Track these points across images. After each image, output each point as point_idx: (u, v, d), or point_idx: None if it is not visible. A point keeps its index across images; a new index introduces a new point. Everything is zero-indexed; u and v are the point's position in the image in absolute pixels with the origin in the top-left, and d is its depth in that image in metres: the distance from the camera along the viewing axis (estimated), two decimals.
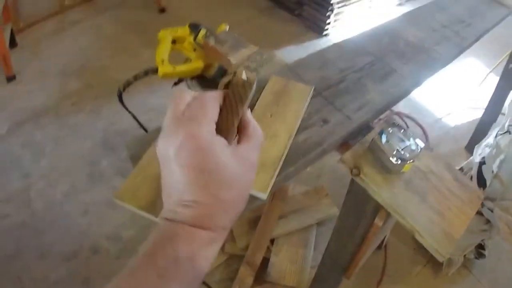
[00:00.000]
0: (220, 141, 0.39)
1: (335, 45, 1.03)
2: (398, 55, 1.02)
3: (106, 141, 2.21)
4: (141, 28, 3.08)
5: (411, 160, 0.75)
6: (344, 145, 0.82)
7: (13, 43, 2.79)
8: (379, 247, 1.72)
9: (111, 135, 2.24)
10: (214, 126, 0.40)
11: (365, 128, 0.85)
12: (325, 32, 3.07)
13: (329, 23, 3.02)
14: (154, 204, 0.64)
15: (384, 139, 0.75)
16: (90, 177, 2.03)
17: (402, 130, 0.78)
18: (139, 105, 2.28)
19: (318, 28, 3.09)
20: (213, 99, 0.42)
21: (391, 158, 0.74)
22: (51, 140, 2.20)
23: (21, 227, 1.81)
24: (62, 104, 2.42)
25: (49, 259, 1.71)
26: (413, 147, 0.76)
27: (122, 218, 1.84)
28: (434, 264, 1.71)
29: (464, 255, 1.64)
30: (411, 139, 0.77)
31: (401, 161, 0.74)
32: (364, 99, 0.85)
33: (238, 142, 0.42)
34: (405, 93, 0.93)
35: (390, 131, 0.77)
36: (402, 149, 0.75)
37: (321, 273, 1.33)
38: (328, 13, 2.94)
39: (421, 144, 0.78)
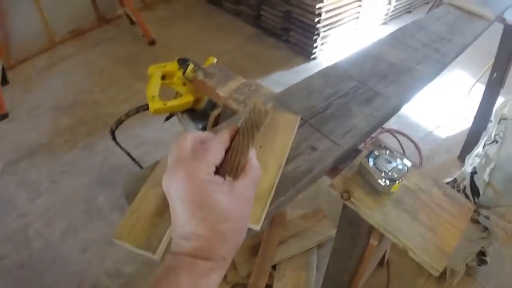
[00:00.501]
0: (217, 179, 0.43)
1: (320, 72, 1.05)
2: (381, 77, 1.05)
3: (101, 176, 2.21)
4: (131, 61, 3.13)
5: (399, 180, 0.77)
6: (334, 170, 0.84)
7: (4, 80, 2.82)
8: (381, 264, 1.72)
9: (106, 171, 2.25)
10: (213, 169, 0.44)
11: (354, 151, 0.87)
12: (313, 56, 3.14)
13: (316, 47, 3.09)
14: (150, 241, 0.65)
15: (371, 162, 0.78)
16: (87, 214, 2.03)
17: (388, 151, 0.80)
18: (133, 139, 2.33)
19: (306, 52, 3.16)
20: (219, 144, 0.47)
21: (379, 180, 0.76)
22: (46, 178, 2.21)
23: (20, 268, 1.80)
24: (56, 141, 2.44)
25: None
26: (400, 167, 0.78)
27: (121, 254, 1.84)
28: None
29: (466, 264, 1.65)
30: (398, 159, 0.80)
31: (390, 181, 0.76)
32: (350, 124, 0.87)
33: (237, 177, 0.46)
34: (389, 114, 0.96)
35: (377, 154, 0.79)
36: (389, 170, 0.77)
37: None
38: (314, 37, 3.01)
39: (408, 164, 0.80)
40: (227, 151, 0.48)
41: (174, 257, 0.41)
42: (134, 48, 3.28)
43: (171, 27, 3.56)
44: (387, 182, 0.76)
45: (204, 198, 0.40)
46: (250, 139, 0.47)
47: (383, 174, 0.76)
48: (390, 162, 0.79)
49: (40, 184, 2.18)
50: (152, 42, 3.29)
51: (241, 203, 0.44)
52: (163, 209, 0.72)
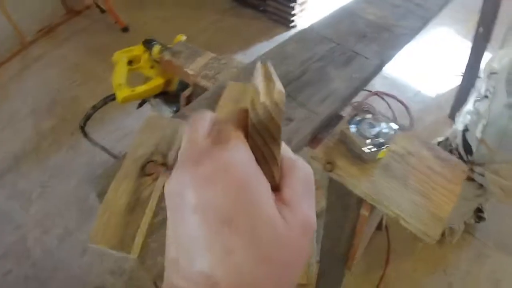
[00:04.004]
0: (264, 179, 0.25)
1: (293, 36, 0.99)
2: (359, 37, 0.99)
3: (90, 174, 2.15)
4: (106, 51, 2.98)
5: (386, 145, 0.71)
6: (314, 139, 0.78)
7: None
8: (379, 228, 1.70)
9: (95, 168, 2.19)
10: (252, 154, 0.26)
11: (335, 118, 0.82)
12: (292, 24, 3.03)
13: (295, 15, 2.98)
14: (123, 241, 0.61)
15: (353, 128, 0.72)
16: (82, 214, 1.98)
17: (372, 115, 0.75)
18: (115, 132, 2.26)
19: (285, 21, 3.05)
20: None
21: (363, 148, 0.70)
22: (36, 186, 2.15)
23: (25, 281, 1.77)
24: (40, 145, 2.36)
25: None
26: (386, 131, 0.73)
27: None
28: None
29: (465, 222, 1.63)
30: (383, 123, 0.74)
31: (375, 147, 0.71)
32: (328, 89, 0.81)
33: (277, 188, 0.27)
34: (371, 75, 0.89)
35: (359, 119, 0.73)
36: (373, 135, 0.71)
37: (323, 269, 1.29)
38: (292, 4, 2.90)
39: (394, 127, 0.74)
40: None
41: None
42: (107, 37, 3.15)
43: (143, 11, 3.42)
44: (372, 148, 0.70)
45: (241, 209, 0.22)
46: (274, 135, 0.27)
47: (367, 141, 0.71)
48: (374, 126, 0.73)
49: (31, 192, 2.11)
50: (125, 29, 3.16)
51: (294, 229, 0.24)
52: (134, 204, 0.67)
